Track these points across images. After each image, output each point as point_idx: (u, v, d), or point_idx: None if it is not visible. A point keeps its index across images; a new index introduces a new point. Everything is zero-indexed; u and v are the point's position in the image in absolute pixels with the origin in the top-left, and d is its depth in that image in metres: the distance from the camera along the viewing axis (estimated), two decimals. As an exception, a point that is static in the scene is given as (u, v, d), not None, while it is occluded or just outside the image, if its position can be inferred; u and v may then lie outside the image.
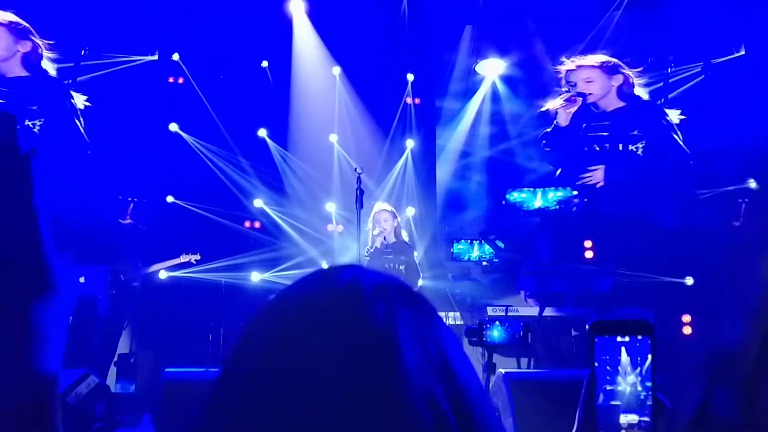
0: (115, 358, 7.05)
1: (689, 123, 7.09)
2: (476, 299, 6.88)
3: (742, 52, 7.22)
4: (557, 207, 6.34)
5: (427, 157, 8.70)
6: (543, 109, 6.84)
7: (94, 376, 4.42)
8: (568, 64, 6.61)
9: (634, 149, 6.36)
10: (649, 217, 6.12)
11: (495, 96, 8.58)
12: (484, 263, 7.05)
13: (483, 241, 6.90)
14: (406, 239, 6.81)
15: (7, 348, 0.60)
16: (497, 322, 3.33)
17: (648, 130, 6.39)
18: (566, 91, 6.56)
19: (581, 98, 6.45)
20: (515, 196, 6.45)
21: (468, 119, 8.62)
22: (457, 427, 0.74)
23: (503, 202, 6.52)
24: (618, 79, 6.49)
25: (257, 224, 8.41)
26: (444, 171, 8.69)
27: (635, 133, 6.39)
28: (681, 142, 6.41)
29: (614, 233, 6.15)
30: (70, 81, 7.93)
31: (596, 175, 6.41)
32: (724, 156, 6.80)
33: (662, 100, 7.29)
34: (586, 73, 6.51)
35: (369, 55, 8.61)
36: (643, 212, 6.18)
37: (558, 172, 6.69)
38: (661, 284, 5.89)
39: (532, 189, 6.50)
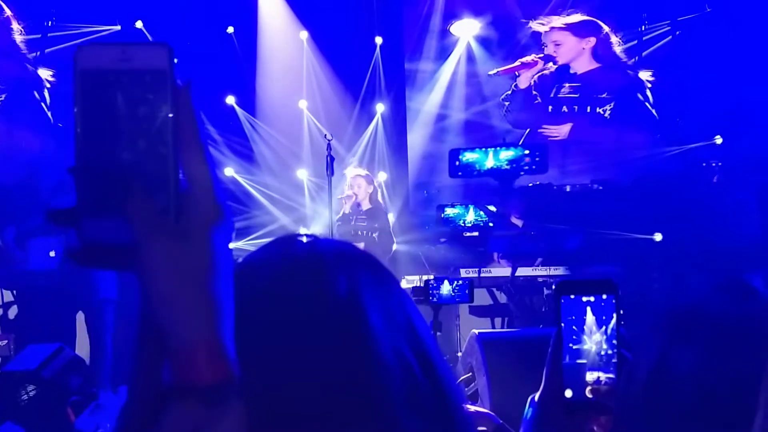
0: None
1: (657, 81, 7.13)
2: (450, 262, 6.91)
3: (708, 10, 7.24)
4: (509, 167, 6.18)
5: (397, 121, 8.65)
6: (492, 72, 6.80)
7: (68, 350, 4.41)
8: (539, 25, 6.58)
9: (602, 111, 6.40)
10: (619, 175, 6.19)
11: (470, 57, 8.48)
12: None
13: (476, 206, 6.75)
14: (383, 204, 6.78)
15: (190, 272, 0.59)
16: (446, 281, 3.34)
17: (617, 92, 6.42)
18: (542, 52, 6.57)
19: (543, 61, 6.46)
20: (467, 157, 6.26)
21: (443, 81, 8.52)
22: (424, 380, 0.78)
23: (456, 163, 6.33)
24: (590, 41, 6.49)
25: None
26: (418, 135, 8.60)
27: (604, 95, 6.41)
28: (650, 106, 6.43)
29: (586, 193, 6.20)
30: (38, 53, 7.77)
31: (561, 131, 6.44)
32: (691, 113, 6.86)
33: (636, 58, 7.28)
34: (556, 35, 6.51)
35: (337, 18, 8.50)
36: (615, 171, 6.25)
37: (527, 132, 6.69)
38: (631, 241, 5.97)
39: (483, 149, 6.30)
